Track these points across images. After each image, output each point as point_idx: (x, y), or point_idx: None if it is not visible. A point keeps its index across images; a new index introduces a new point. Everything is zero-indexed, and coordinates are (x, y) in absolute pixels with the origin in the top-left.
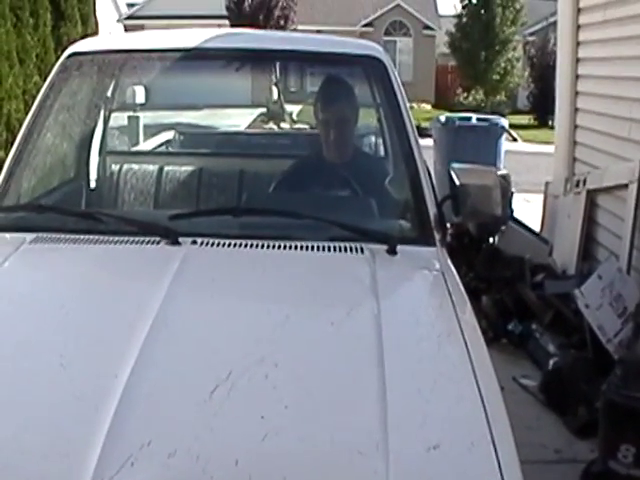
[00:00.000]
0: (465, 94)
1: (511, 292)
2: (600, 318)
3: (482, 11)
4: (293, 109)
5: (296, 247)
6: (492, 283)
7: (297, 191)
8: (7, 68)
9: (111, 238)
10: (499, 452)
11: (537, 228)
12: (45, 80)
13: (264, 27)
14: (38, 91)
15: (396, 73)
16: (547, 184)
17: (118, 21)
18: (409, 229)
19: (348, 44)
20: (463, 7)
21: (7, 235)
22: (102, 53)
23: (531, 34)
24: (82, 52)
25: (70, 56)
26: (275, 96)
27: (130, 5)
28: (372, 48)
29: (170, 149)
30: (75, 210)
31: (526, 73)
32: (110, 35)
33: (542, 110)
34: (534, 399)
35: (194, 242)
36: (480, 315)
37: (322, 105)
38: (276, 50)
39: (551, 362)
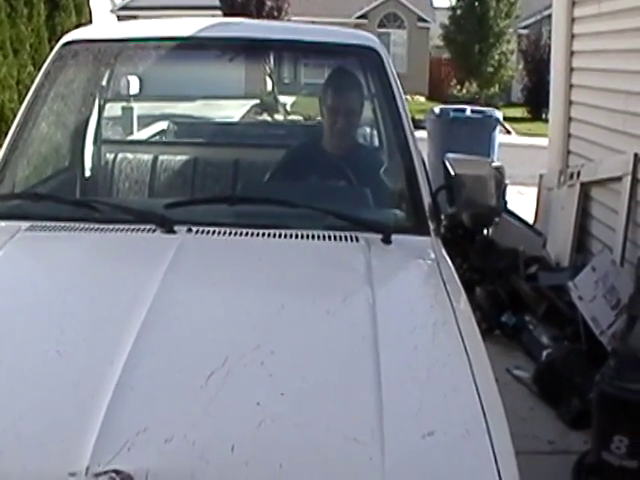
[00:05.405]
0: (459, 86)
1: (505, 284)
2: (593, 310)
3: (476, 4)
4: (287, 100)
5: (291, 236)
6: (486, 275)
7: (292, 180)
8: (1, 58)
9: (106, 226)
10: (494, 439)
11: (531, 220)
12: (39, 70)
13: (257, 18)
14: (32, 81)
15: (391, 64)
16: (541, 176)
17: (112, 12)
18: (404, 218)
19: (343, 34)
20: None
21: (2, 223)
22: (97, 42)
23: (525, 27)
24: (77, 40)
25: (65, 45)
26: (269, 87)
27: None
28: (367, 38)
29: (164, 139)
30: (70, 198)
31: (520, 66)
32: (105, 24)
33: (536, 103)
34: (527, 391)
35: (189, 230)
36: (474, 306)
37: (333, 92)
38: (272, 40)
39: (544, 354)
